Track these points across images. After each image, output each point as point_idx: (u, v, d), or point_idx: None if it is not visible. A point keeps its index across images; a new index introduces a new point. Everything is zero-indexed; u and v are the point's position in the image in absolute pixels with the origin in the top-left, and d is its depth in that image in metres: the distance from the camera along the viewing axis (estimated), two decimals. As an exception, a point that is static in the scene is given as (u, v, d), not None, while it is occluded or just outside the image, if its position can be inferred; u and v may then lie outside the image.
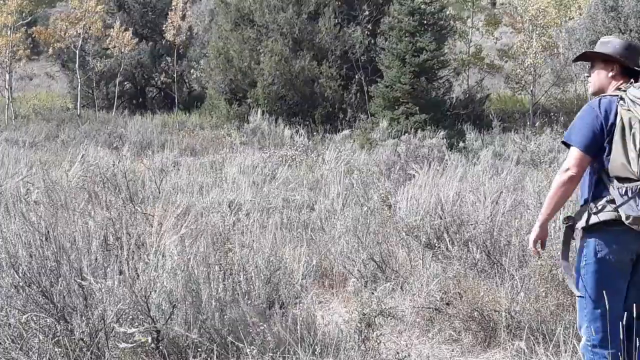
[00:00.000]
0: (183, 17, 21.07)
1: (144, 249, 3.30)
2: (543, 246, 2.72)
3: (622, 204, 2.45)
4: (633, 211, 2.43)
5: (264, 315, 3.17)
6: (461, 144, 13.34)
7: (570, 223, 2.61)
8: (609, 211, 2.50)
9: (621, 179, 2.47)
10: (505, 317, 3.51)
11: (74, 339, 2.87)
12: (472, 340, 3.62)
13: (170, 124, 18.12)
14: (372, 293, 3.70)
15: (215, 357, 2.89)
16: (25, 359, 2.85)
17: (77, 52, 19.83)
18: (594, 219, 2.53)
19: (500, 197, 4.77)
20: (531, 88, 18.25)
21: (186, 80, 23.14)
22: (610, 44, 2.73)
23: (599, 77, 2.72)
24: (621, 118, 2.48)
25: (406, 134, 13.37)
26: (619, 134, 2.47)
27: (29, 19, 21.10)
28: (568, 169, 2.55)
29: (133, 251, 3.16)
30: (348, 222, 4.91)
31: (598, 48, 2.76)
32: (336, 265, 4.64)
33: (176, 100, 21.09)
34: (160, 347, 2.96)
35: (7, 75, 19.44)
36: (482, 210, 4.53)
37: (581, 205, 2.62)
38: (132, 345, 2.87)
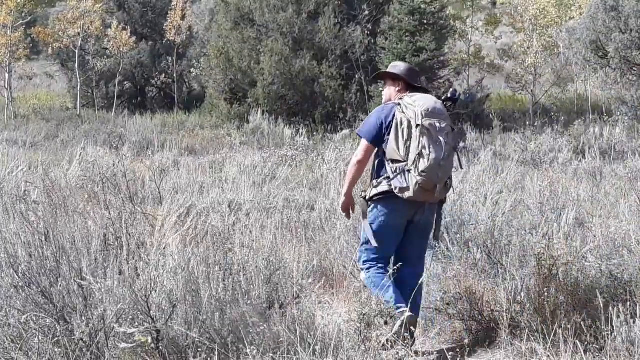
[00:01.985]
0: (183, 17, 21.08)
1: (144, 248, 3.30)
2: (353, 210, 3.60)
3: (393, 178, 3.35)
4: (400, 183, 3.33)
5: (264, 315, 3.16)
6: (461, 144, 13.33)
7: (364, 195, 3.51)
8: (384, 185, 3.40)
9: (394, 161, 3.38)
10: (506, 317, 3.51)
11: (74, 339, 2.86)
12: (472, 340, 3.62)
13: (170, 123, 18.12)
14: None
15: (215, 357, 2.89)
16: (25, 359, 2.85)
17: (77, 51, 19.83)
18: (374, 191, 3.43)
19: (501, 197, 4.76)
20: (532, 88, 18.25)
21: (186, 80, 23.15)
22: (397, 67, 3.67)
23: (389, 91, 3.64)
24: (396, 118, 3.39)
25: (406, 134, 13.40)
26: (394, 129, 3.38)
27: (29, 18, 21.09)
28: (357, 155, 3.49)
29: (133, 251, 3.16)
30: (348, 222, 4.90)
31: (389, 69, 3.66)
32: (336, 265, 4.64)
33: (176, 100, 21.09)
34: (160, 347, 2.95)
35: (7, 75, 19.43)
36: (483, 211, 4.52)
37: (370, 182, 3.51)
38: (132, 345, 2.86)
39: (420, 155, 3.28)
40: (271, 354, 2.92)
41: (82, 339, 2.86)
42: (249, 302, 3.15)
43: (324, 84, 16.88)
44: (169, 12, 21.12)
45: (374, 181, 3.45)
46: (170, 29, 20.87)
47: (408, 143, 3.33)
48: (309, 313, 3.23)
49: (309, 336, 3.02)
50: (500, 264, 4.04)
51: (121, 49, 20.36)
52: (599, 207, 5.37)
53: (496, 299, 3.63)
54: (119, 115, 19.78)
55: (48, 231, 3.11)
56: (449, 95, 3.54)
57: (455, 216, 4.56)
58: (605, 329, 3.22)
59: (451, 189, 3.50)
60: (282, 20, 17.12)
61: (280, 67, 16.77)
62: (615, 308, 3.25)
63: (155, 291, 3.00)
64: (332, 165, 9.20)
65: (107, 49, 20.67)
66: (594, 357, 3.25)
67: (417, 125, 3.31)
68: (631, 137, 13.15)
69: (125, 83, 22.79)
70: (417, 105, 3.36)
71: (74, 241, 3.15)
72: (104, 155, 8.89)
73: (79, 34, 19.75)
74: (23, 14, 20.13)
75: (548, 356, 3.19)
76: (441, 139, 3.31)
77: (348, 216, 3.65)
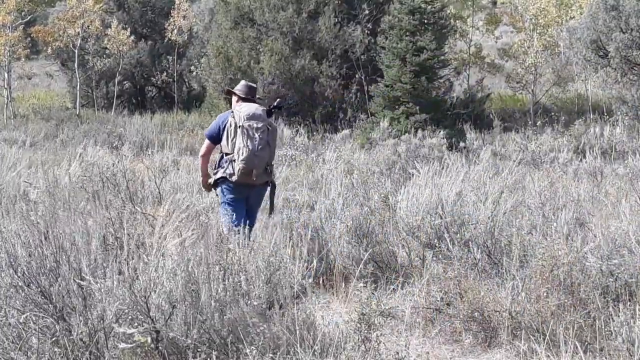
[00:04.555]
0: (183, 17, 21.08)
1: (143, 248, 3.29)
2: (211, 188, 4.73)
3: (226, 167, 4.53)
4: (229, 171, 4.51)
5: (264, 315, 3.15)
6: (461, 144, 13.33)
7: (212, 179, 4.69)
8: (221, 172, 4.57)
9: (226, 154, 4.56)
10: (506, 317, 3.50)
11: (73, 339, 2.86)
12: (473, 341, 3.61)
13: (170, 123, 18.11)
14: (372, 293, 3.68)
15: (215, 357, 2.88)
16: (25, 359, 2.84)
17: (76, 51, 19.81)
18: (216, 177, 4.60)
19: (501, 197, 4.76)
20: (532, 87, 18.24)
21: (186, 80, 23.13)
22: (238, 85, 4.93)
23: (233, 101, 4.82)
24: (228, 122, 4.56)
25: (406, 134, 13.39)
26: (226, 130, 4.56)
27: (28, 18, 21.08)
28: (201, 151, 4.78)
29: (133, 251, 3.15)
30: (348, 222, 4.90)
31: (235, 89, 4.89)
32: (336, 265, 4.63)
33: (176, 100, 21.08)
34: (160, 348, 2.95)
35: (6, 75, 19.42)
36: (483, 210, 4.51)
37: (214, 170, 4.68)
38: (131, 345, 2.86)
39: (240, 148, 4.46)
40: (271, 354, 2.92)
41: (81, 339, 2.86)
42: (249, 302, 3.15)
43: (324, 83, 16.87)
44: (171, 12, 21.11)
45: (217, 169, 4.65)
46: (171, 29, 20.86)
47: (234, 140, 4.50)
48: (308, 313, 3.23)
49: (308, 336, 3.01)
50: (500, 264, 4.03)
51: (121, 49, 20.35)
52: (599, 207, 5.36)
53: (497, 299, 3.63)
54: (118, 115, 19.77)
55: (48, 231, 3.11)
56: (274, 104, 4.80)
57: (455, 216, 4.56)
58: (605, 329, 3.22)
59: (271, 174, 4.74)
60: (282, 20, 17.11)
61: (280, 67, 16.76)
62: (615, 308, 3.24)
63: (155, 292, 3.00)
64: (332, 165, 9.19)
65: (106, 48, 20.66)
66: (594, 357, 3.25)
67: (239, 127, 4.48)
68: (632, 136, 13.14)
69: (125, 83, 22.77)
70: (242, 111, 4.55)
71: (74, 241, 3.14)
72: (104, 155, 8.88)
73: (78, 33, 19.73)
74: (22, 14, 20.11)
75: (548, 356, 3.18)
76: (257, 135, 4.49)
77: (208, 191, 4.88)
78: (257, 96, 4.93)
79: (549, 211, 4.77)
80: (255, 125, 4.49)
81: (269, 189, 4.73)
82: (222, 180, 4.57)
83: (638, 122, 14.04)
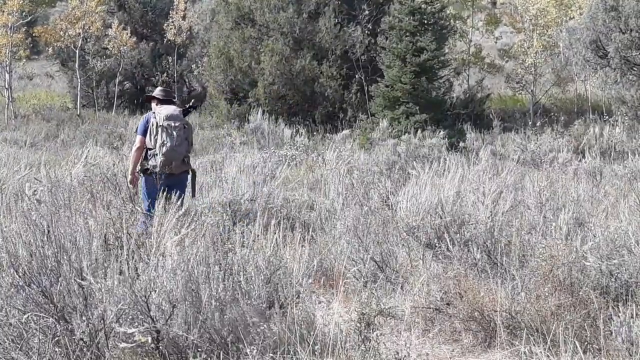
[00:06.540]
0: (184, 17, 21.09)
1: (144, 248, 3.30)
2: (135, 185, 5.36)
3: (149, 160, 5.28)
4: (153, 163, 5.25)
5: (264, 315, 3.16)
6: (461, 144, 13.33)
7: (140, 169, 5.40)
8: (146, 164, 5.30)
9: (149, 149, 5.30)
10: (506, 317, 3.51)
11: (74, 339, 2.87)
12: (472, 340, 3.62)
13: (171, 123, 18.06)
14: (372, 293, 3.69)
15: (215, 357, 2.89)
16: (25, 359, 2.85)
17: (77, 51, 19.82)
18: (142, 168, 5.32)
19: (501, 196, 4.76)
20: (531, 88, 18.24)
21: (186, 80, 23.13)
22: (156, 90, 5.75)
23: (153, 104, 5.55)
24: (151, 121, 5.32)
25: (406, 134, 13.40)
26: (149, 129, 5.30)
27: (29, 18, 21.08)
28: (135, 145, 5.41)
29: (133, 251, 3.16)
30: (348, 222, 4.90)
31: (154, 93, 5.68)
32: (336, 265, 4.63)
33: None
34: (160, 347, 2.96)
35: (7, 75, 19.42)
36: (483, 210, 4.52)
37: (140, 163, 5.38)
38: (132, 345, 2.86)
39: (161, 144, 5.22)
40: (271, 354, 2.93)
41: (82, 339, 2.86)
42: (249, 302, 3.16)
43: (324, 83, 16.88)
44: (170, 12, 21.12)
45: (143, 162, 5.34)
46: (171, 29, 20.87)
47: (156, 137, 5.24)
48: (308, 313, 3.23)
49: (308, 336, 3.02)
50: (499, 263, 4.04)
51: (121, 49, 20.36)
52: (599, 207, 5.37)
53: (496, 299, 3.63)
54: (119, 115, 19.77)
55: (49, 230, 3.12)
56: (189, 105, 5.71)
57: (455, 216, 4.56)
58: (605, 329, 3.22)
59: (189, 164, 5.48)
60: (282, 20, 17.12)
61: (281, 67, 16.77)
62: (614, 308, 3.25)
63: (155, 291, 3.00)
64: (332, 165, 9.19)
65: (107, 48, 20.67)
66: (594, 357, 3.25)
67: (160, 126, 5.24)
68: (631, 137, 13.16)
69: (126, 83, 22.76)
70: (161, 113, 5.31)
71: (75, 241, 3.15)
72: (105, 155, 8.88)
73: (79, 34, 19.74)
74: (23, 14, 20.12)
75: (548, 356, 3.19)
76: (174, 133, 5.26)
77: (134, 187, 5.38)
78: (174, 99, 5.80)
79: (548, 211, 4.78)
80: (173, 124, 5.29)
81: (189, 176, 5.47)
82: (146, 171, 5.35)
83: (637, 122, 14.05)
